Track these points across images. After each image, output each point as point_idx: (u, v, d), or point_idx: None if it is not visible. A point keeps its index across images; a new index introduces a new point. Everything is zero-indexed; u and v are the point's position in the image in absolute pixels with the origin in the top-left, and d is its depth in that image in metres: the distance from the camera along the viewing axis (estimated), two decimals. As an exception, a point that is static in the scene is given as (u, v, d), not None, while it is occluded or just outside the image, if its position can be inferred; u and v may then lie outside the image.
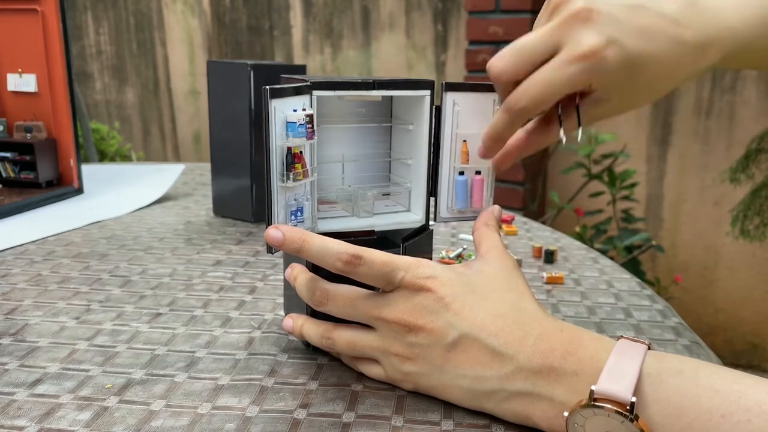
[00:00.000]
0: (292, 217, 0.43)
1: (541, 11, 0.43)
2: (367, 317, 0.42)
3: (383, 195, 0.52)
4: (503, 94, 0.43)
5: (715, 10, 0.43)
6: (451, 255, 0.68)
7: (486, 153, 0.46)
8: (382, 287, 0.42)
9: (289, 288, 0.48)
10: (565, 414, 0.35)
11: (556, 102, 0.43)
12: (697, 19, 0.43)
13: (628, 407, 0.33)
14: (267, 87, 0.39)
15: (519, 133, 0.47)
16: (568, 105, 0.44)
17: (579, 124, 0.43)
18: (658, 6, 0.42)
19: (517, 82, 0.42)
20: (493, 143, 0.45)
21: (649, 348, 0.36)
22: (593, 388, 0.34)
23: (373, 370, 0.43)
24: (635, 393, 0.33)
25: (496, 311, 0.40)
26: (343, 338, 0.43)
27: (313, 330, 0.44)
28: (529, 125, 0.47)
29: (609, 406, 0.33)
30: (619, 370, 0.34)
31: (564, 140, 0.43)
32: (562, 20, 0.40)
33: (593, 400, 0.33)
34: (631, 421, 0.33)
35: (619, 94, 0.42)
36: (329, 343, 0.44)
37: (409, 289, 0.41)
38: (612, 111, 0.44)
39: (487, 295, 0.41)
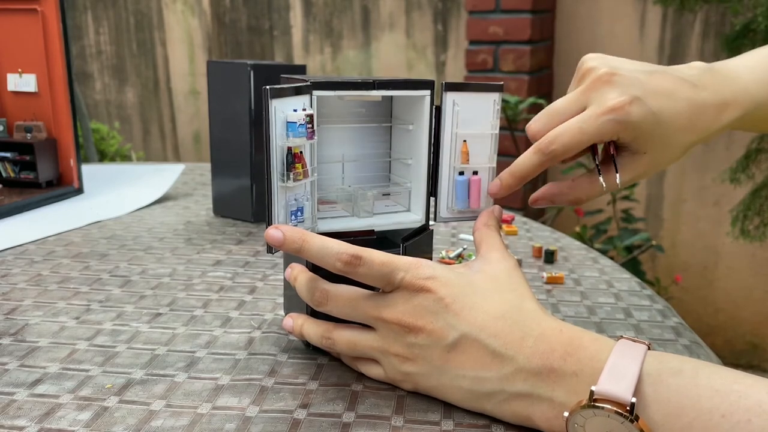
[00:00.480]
0: (292, 217, 0.43)
1: (572, 82, 0.49)
2: (366, 318, 0.42)
3: (383, 195, 0.52)
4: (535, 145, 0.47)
5: (730, 74, 0.49)
6: (451, 255, 0.68)
7: (502, 190, 0.49)
8: (381, 287, 0.42)
9: (289, 288, 0.48)
10: (565, 414, 0.35)
11: (589, 152, 0.48)
12: (714, 82, 0.48)
13: (628, 408, 0.33)
14: (267, 87, 0.39)
15: (566, 181, 0.50)
16: (607, 159, 0.48)
17: (616, 171, 0.47)
18: (676, 72, 0.48)
19: None
20: (516, 181, 0.48)
21: (648, 348, 0.36)
22: (593, 388, 0.33)
23: (372, 370, 0.43)
24: (635, 393, 0.33)
25: (496, 312, 0.40)
26: (343, 338, 0.43)
27: (313, 330, 0.44)
28: (577, 175, 0.51)
29: (609, 406, 0.33)
30: (619, 370, 0.34)
31: (605, 186, 0.47)
32: (589, 83, 0.46)
33: (593, 401, 0.33)
34: (631, 421, 0.33)
35: (652, 148, 0.46)
36: (329, 343, 0.44)
37: (409, 289, 0.41)
38: (652, 165, 0.48)
39: (487, 296, 0.41)
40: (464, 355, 0.39)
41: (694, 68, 0.49)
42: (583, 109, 0.46)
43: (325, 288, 0.42)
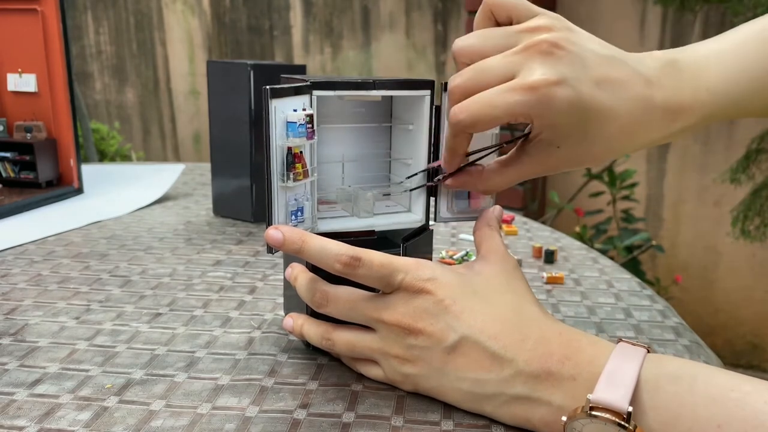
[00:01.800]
0: (293, 217, 0.43)
1: (515, 25, 0.42)
2: (366, 319, 0.42)
3: (384, 195, 0.51)
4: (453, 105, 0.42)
5: (694, 72, 0.42)
6: (455, 257, 0.68)
7: (444, 164, 0.46)
8: (381, 289, 0.41)
9: (289, 288, 0.48)
10: (563, 419, 0.34)
11: (497, 126, 0.42)
12: (674, 80, 0.42)
13: (624, 416, 0.32)
14: (267, 87, 0.39)
15: (478, 168, 0.46)
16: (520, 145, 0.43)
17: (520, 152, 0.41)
18: (635, 62, 0.41)
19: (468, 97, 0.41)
20: (448, 154, 0.45)
21: (648, 351, 0.36)
22: (590, 396, 0.33)
23: (372, 371, 0.43)
24: (633, 400, 0.33)
25: (495, 314, 0.39)
26: (343, 339, 0.43)
27: (313, 330, 0.44)
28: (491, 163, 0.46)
29: (606, 415, 0.33)
30: (616, 377, 0.34)
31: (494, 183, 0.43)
32: (527, 46, 0.40)
33: (590, 408, 0.33)
34: (627, 430, 0.32)
35: (570, 144, 0.41)
36: (329, 344, 0.44)
37: (409, 291, 0.40)
38: (562, 161, 0.42)
39: (487, 298, 0.40)
40: (464, 358, 0.39)
41: (655, 60, 0.42)
42: (511, 76, 0.39)
43: (324, 289, 0.42)
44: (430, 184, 0.48)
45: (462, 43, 0.42)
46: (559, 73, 0.38)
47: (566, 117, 0.39)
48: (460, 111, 0.40)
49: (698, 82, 0.42)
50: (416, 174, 0.48)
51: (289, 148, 0.41)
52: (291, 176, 0.42)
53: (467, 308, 0.39)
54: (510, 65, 0.40)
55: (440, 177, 0.47)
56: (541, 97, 0.38)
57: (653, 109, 0.41)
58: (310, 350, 0.48)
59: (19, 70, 0.90)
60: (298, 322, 0.45)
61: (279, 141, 0.41)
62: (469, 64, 0.42)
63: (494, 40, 0.41)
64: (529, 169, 0.44)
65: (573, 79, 0.39)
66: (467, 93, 0.41)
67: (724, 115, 0.43)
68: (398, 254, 0.44)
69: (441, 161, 0.47)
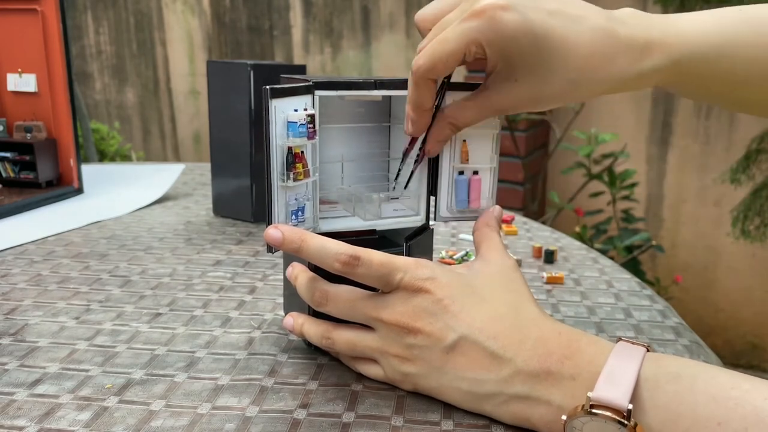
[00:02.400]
0: (293, 216, 0.43)
1: None
2: (365, 318, 0.42)
3: (391, 199, 0.51)
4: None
5: (663, 19, 0.41)
6: (455, 257, 0.68)
7: (407, 128, 0.44)
8: (380, 288, 0.41)
9: (289, 288, 0.48)
10: (563, 418, 0.34)
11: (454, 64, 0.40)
12: (640, 20, 0.40)
13: (624, 414, 0.32)
14: (267, 87, 0.39)
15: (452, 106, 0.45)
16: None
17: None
18: (596, 7, 0.40)
19: None
20: (411, 108, 0.43)
21: (648, 350, 0.36)
22: (590, 395, 0.33)
23: (372, 370, 0.43)
24: (632, 399, 0.33)
25: (495, 313, 0.39)
26: (343, 338, 0.43)
27: (313, 329, 0.44)
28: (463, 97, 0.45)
29: (606, 413, 0.33)
30: (616, 375, 0.34)
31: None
32: None
33: (590, 407, 0.33)
34: (627, 427, 0.32)
35: (528, 77, 0.40)
36: (329, 343, 0.44)
37: (408, 290, 0.40)
38: (523, 99, 0.41)
39: (486, 297, 0.40)
40: (463, 357, 0.39)
41: (622, 9, 0.41)
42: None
43: (324, 288, 0.42)
44: (416, 162, 0.46)
45: (422, 11, 0.42)
46: (506, 1, 0.38)
47: (516, 43, 0.38)
48: (419, 57, 0.40)
49: (667, 26, 0.41)
50: (399, 169, 0.48)
51: (290, 148, 0.41)
52: (291, 176, 0.42)
53: (466, 308, 0.40)
54: (463, 7, 0.39)
55: (419, 152, 0.46)
56: (488, 20, 0.38)
57: (616, 42, 0.39)
58: (311, 350, 0.48)
59: (19, 70, 0.90)
60: (298, 321, 0.45)
61: (279, 141, 0.41)
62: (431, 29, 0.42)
63: (451, 0, 0.41)
64: (491, 105, 0.42)
65: (521, 5, 0.38)
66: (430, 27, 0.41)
67: (695, 69, 0.41)
68: (400, 254, 0.44)
69: (407, 126, 0.45)
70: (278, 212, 0.42)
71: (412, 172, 0.48)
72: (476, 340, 0.38)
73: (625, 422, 0.32)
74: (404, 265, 0.41)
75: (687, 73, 0.41)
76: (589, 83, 0.40)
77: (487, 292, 0.41)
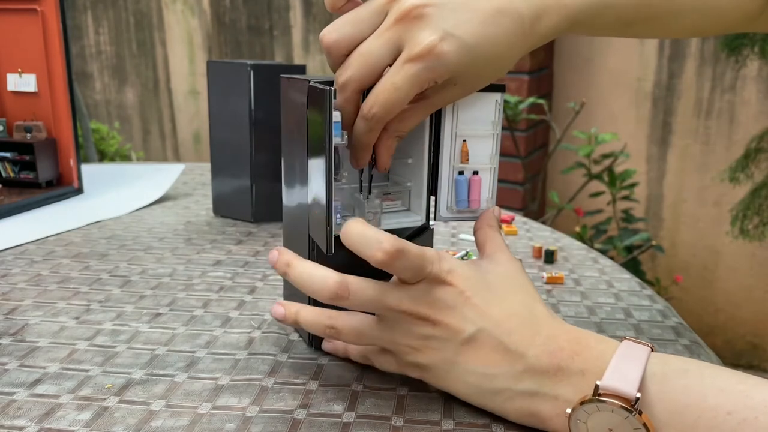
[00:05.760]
0: (338, 216, 0.43)
1: None
2: (383, 308, 0.40)
3: (384, 194, 0.51)
4: (335, 66, 0.42)
5: None
6: (455, 257, 0.67)
7: (357, 163, 0.45)
8: (407, 279, 0.40)
9: (289, 288, 0.48)
10: (568, 411, 0.35)
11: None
12: None
13: (632, 402, 0.33)
14: (331, 88, 0.39)
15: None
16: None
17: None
18: None
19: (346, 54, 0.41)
20: (360, 152, 0.43)
21: (652, 350, 0.36)
22: (598, 383, 0.34)
23: (380, 359, 0.43)
24: (640, 390, 0.33)
25: (510, 309, 0.40)
26: (349, 327, 0.41)
27: (311, 317, 0.42)
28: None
29: (614, 401, 0.33)
30: (623, 368, 0.35)
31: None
32: (396, 20, 0.39)
33: (597, 395, 0.34)
34: (635, 416, 0.33)
35: (466, 79, 0.42)
36: (333, 332, 0.42)
37: (432, 282, 0.40)
38: (459, 93, 0.43)
39: (500, 294, 0.41)
40: (477, 351, 0.39)
41: None
42: (397, 52, 0.40)
43: (346, 281, 0.40)
44: (373, 167, 0.47)
45: (333, 34, 0.41)
46: (439, 30, 0.38)
47: (461, 65, 0.40)
48: (370, 107, 0.40)
49: None
50: (361, 182, 0.48)
51: (337, 148, 0.41)
52: (341, 176, 0.42)
53: (485, 301, 0.40)
54: (391, 42, 0.40)
55: (371, 170, 0.46)
56: (435, 59, 0.39)
57: (522, 21, 0.41)
58: (311, 350, 0.48)
59: (19, 70, 0.90)
60: (291, 309, 0.43)
61: (335, 141, 0.40)
62: (346, 55, 0.41)
63: (364, 22, 0.41)
64: (432, 107, 0.44)
65: (450, 29, 0.39)
66: (362, 85, 0.41)
67: (586, 21, 0.43)
68: None
69: (352, 161, 0.45)
70: (334, 214, 0.42)
71: (371, 176, 0.47)
72: (493, 334, 0.39)
73: (633, 410, 0.33)
74: (432, 257, 0.40)
75: (580, 24, 0.43)
76: (504, 68, 0.42)
77: (501, 289, 0.41)
